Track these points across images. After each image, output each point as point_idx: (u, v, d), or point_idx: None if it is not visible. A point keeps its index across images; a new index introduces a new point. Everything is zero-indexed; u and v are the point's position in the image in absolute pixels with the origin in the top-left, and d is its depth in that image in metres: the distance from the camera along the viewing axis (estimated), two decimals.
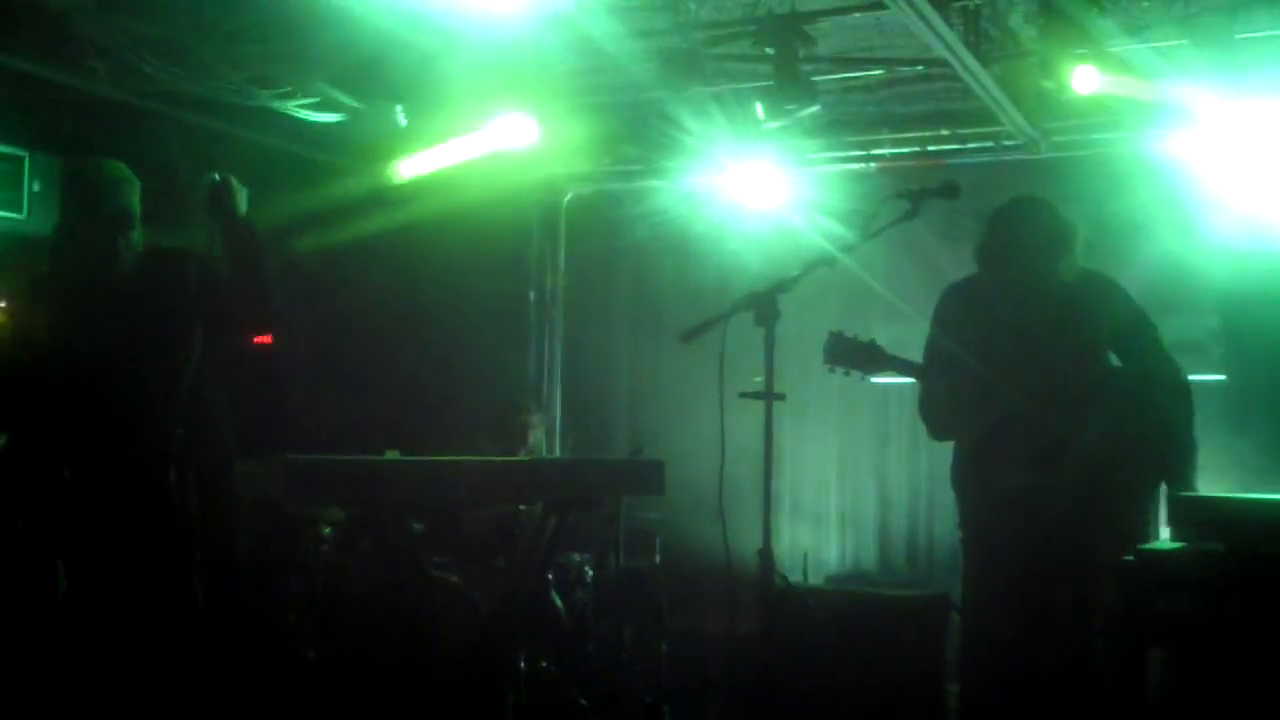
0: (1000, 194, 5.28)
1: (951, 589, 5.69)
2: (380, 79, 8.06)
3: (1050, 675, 4.77)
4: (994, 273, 5.11)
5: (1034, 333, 4.96)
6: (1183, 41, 7.06)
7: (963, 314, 5.13)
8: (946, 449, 5.22)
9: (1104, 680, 4.72)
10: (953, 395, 5.01)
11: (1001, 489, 4.90)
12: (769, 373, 4.65)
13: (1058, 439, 4.82)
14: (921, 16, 6.47)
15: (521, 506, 6.91)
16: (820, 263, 4.83)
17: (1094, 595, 4.77)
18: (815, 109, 7.60)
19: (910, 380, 5.25)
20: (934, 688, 5.59)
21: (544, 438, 7.96)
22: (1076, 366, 4.94)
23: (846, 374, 5.06)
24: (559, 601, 7.00)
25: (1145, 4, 7.08)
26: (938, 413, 5.11)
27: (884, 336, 5.10)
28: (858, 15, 7.24)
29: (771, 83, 7.43)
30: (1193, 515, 4.85)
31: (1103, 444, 4.83)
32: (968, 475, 5.07)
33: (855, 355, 5.02)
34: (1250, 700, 4.48)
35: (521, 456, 7.55)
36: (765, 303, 4.64)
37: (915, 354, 5.26)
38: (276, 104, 7.91)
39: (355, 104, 8.09)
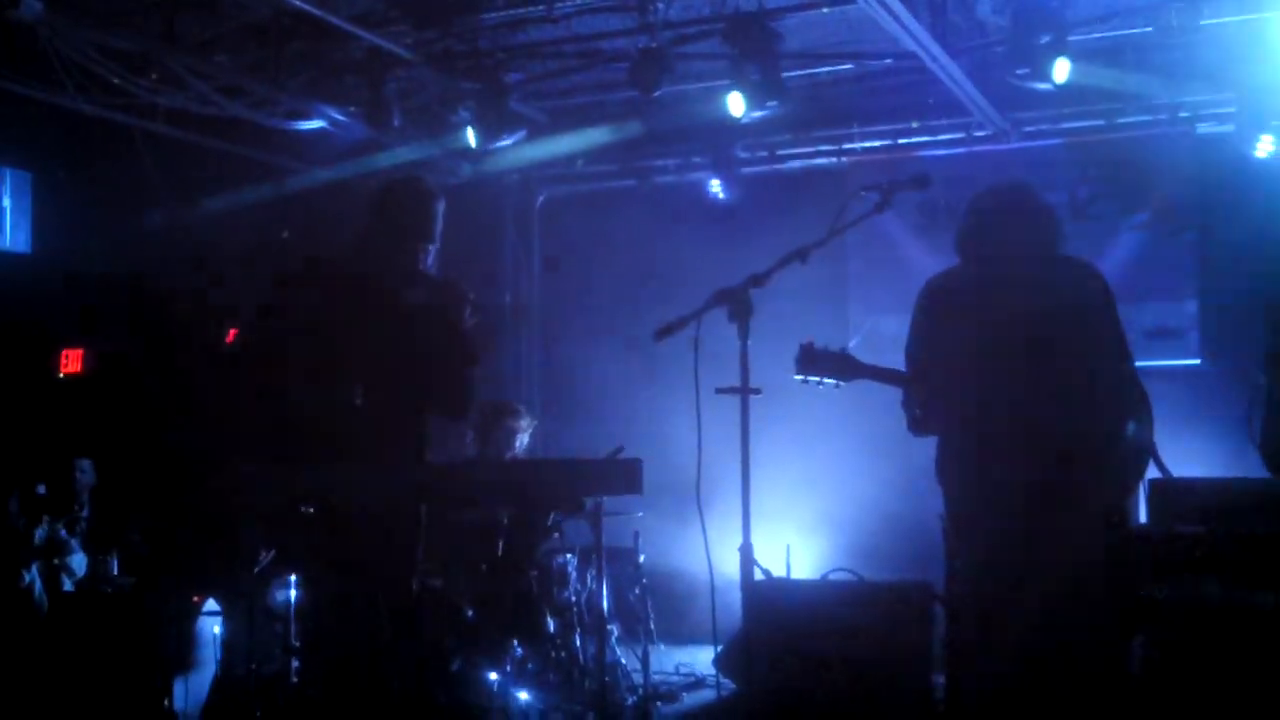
0: (973, 185, 5.26)
1: (934, 579, 5.69)
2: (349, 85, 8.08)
3: (1040, 662, 4.75)
4: (975, 261, 5.10)
5: (1017, 322, 4.88)
6: (1149, 29, 7.10)
7: (944, 307, 5.05)
8: (926, 441, 5.20)
9: (1093, 664, 4.71)
10: (934, 392, 4.98)
11: (987, 480, 4.87)
12: (744, 368, 4.65)
13: (1044, 429, 4.79)
14: (888, 10, 6.49)
15: (503, 508, 6.91)
16: (793, 256, 4.81)
17: (1082, 581, 4.75)
18: (781, 104, 7.61)
19: None
20: (919, 677, 5.60)
21: (530, 441, 7.94)
22: (1061, 354, 4.87)
23: (820, 384, 5.04)
24: (543, 602, 7.01)
25: None
26: (919, 411, 5.07)
27: (860, 328, 5.07)
28: (825, 10, 7.27)
29: (741, 80, 7.45)
30: (1171, 498, 4.89)
31: (1089, 432, 4.81)
32: (953, 467, 5.03)
33: (827, 365, 5.02)
34: (1228, 678, 4.52)
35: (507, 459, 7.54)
36: (738, 298, 4.63)
37: (891, 346, 5.26)
38: (248, 113, 7.91)
39: (325, 111, 8.09)
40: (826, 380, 5.03)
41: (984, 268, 5.02)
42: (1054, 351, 4.86)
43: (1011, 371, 4.83)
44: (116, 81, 7.32)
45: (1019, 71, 7.13)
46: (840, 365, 5.01)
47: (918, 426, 5.09)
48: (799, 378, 5.02)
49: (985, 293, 4.98)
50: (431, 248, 5.32)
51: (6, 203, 8.26)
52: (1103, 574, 4.74)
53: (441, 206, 5.35)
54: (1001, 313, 4.92)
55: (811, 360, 5.01)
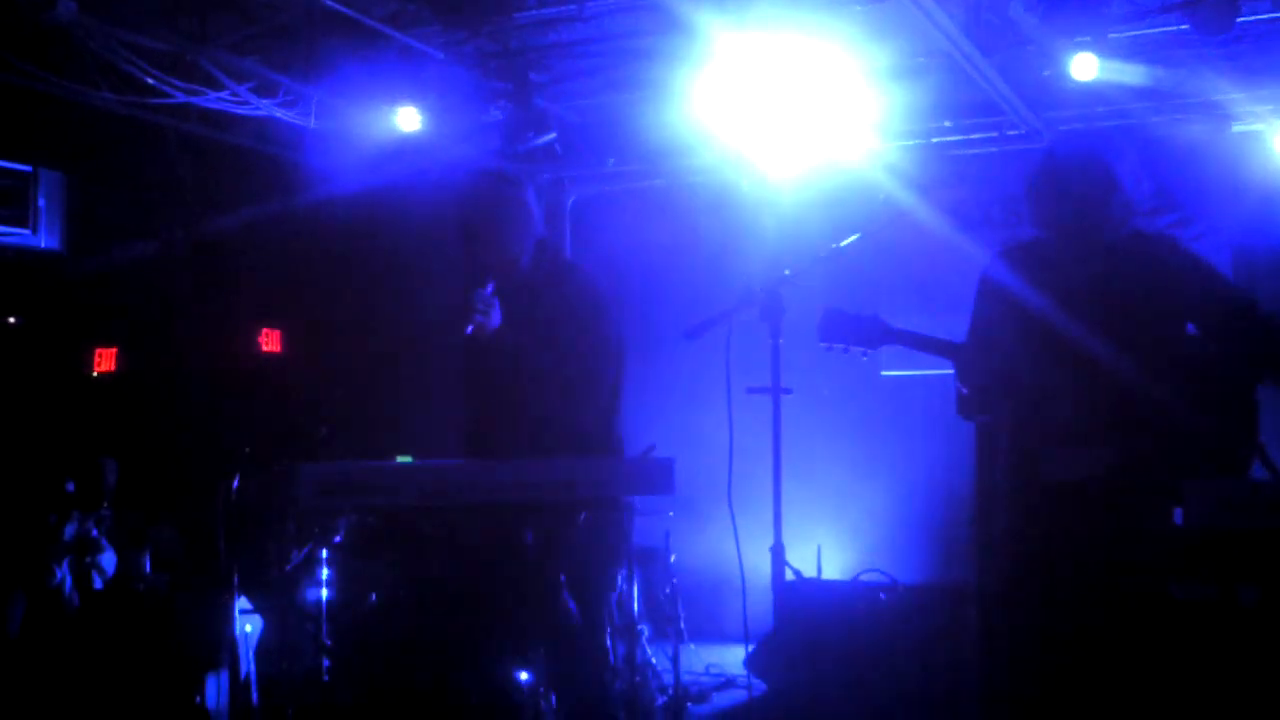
0: (1005, 184, 5.19)
1: (966, 580, 5.66)
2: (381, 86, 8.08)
3: (1075, 665, 4.60)
4: (1048, 217, 4.55)
5: (1095, 298, 4.42)
6: (1184, 27, 7.04)
7: (1012, 281, 4.54)
8: (960, 440, 5.14)
9: (1129, 667, 4.54)
10: (993, 374, 4.52)
11: (1046, 473, 4.45)
12: (776, 368, 4.64)
13: (1117, 421, 4.37)
14: (922, 7, 6.46)
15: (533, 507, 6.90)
16: (824, 256, 4.79)
17: (1120, 582, 4.52)
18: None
19: (923, 373, 5.14)
20: (951, 679, 5.57)
21: None
22: (1145, 337, 4.40)
23: (846, 351, 4.56)
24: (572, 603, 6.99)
25: None
26: (975, 393, 4.60)
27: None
28: (859, 8, 7.23)
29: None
30: (1206, 498, 4.83)
31: (1169, 425, 4.38)
32: (1014, 459, 4.56)
33: (854, 330, 4.55)
34: (1265, 681, 4.46)
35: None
36: (770, 298, 4.62)
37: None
38: (281, 112, 7.92)
39: (355, 112, 8.09)
40: (854, 348, 4.57)
41: (1058, 237, 4.56)
42: (1138, 334, 4.43)
43: (1086, 358, 4.39)
44: (150, 81, 7.33)
45: (1048, 71, 7.09)
46: (869, 330, 4.55)
47: (967, 408, 4.76)
48: (823, 345, 4.58)
49: (1057, 264, 4.55)
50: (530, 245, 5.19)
51: (42, 203, 8.31)
52: (1142, 575, 4.62)
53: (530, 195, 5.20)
54: (1075, 288, 4.49)
55: (837, 325, 4.57)
